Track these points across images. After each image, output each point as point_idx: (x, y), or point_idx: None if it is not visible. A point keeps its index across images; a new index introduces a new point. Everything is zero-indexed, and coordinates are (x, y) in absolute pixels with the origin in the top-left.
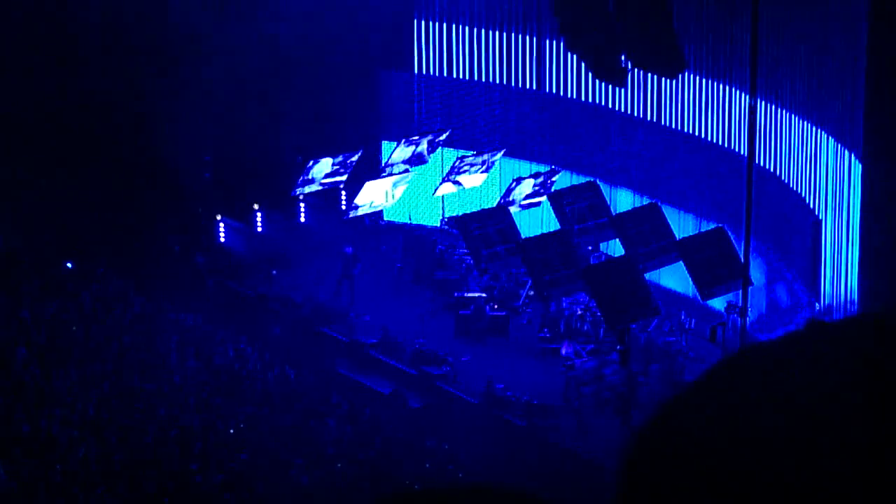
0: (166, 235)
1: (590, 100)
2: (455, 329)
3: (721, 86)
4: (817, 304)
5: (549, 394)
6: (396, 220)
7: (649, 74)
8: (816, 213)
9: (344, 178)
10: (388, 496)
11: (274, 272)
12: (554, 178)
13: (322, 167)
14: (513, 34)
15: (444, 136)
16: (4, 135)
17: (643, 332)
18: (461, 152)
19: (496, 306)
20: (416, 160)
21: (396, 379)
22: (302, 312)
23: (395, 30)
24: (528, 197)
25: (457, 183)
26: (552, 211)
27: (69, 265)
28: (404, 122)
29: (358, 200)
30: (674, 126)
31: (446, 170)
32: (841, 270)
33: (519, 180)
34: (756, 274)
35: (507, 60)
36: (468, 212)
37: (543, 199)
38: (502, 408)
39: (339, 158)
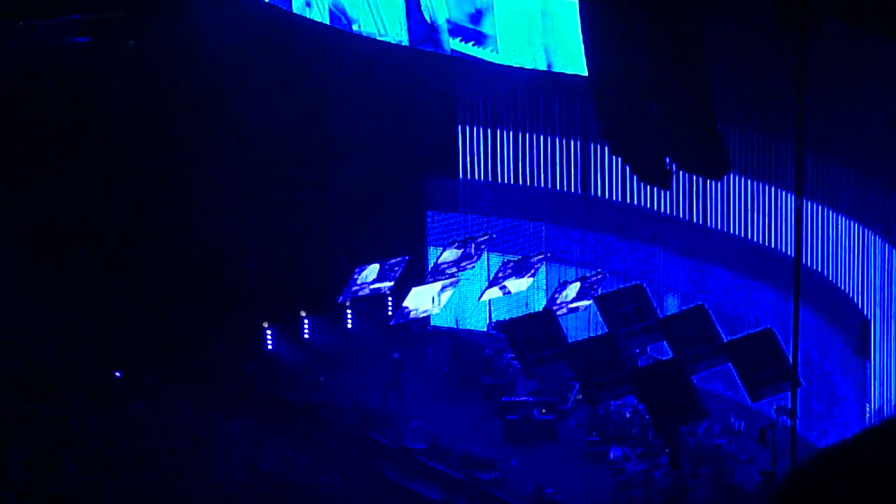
0: (214, 344)
1: (635, 202)
2: (503, 433)
3: (766, 186)
4: (867, 406)
5: (598, 497)
6: (443, 325)
7: (694, 176)
8: (865, 313)
9: (390, 283)
10: None
11: (321, 379)
12: (600, 282)
13: (369, 273)
14: (557, 138)
15: (489, 241)
16: (52, 245)
17: (692, 435)
18: (507, 257)
19: (544, 410)
20: (463, 265)
21: (445, 484)
22: (350, 418)
23: (439, 136)
24: (574, 300)
25: (503, 287)
26: (599, 314)
27: (117, 374)
28: (450, 227)
29: (405, 306)
30: (719, 227)
31: (492, 274)
32: (890, 371)
33: (565, 284)
34: (805, 375)
35: (551, 164)
36: (515, 316)
37: (590, 302)
38: None
39: (386, 264)
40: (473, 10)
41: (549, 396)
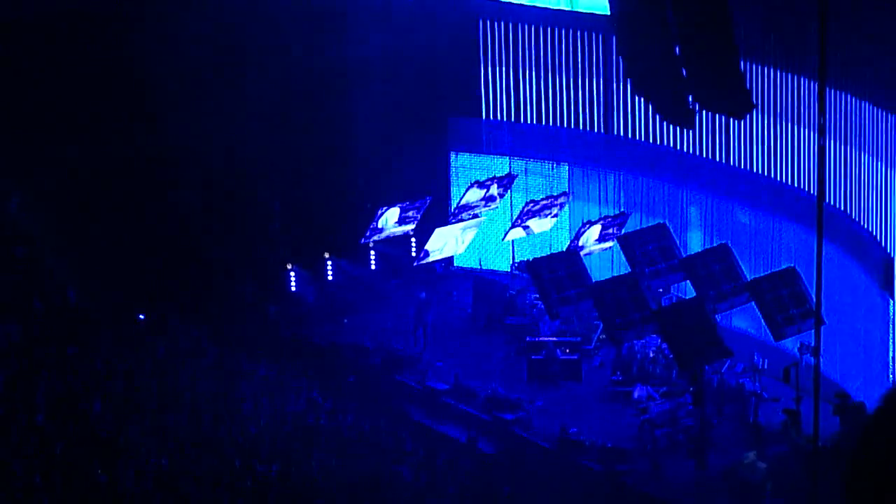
0: (238, 285)
1: (658, 142)
2: (527, 374)
3: (789, 125)
4: (891, 344)
5: (622, 437)
6: (467, 265)
7: (717, 115)
8: (888, 251)
9: (414, 225)
10: None
11: (346, 320)
12: (623, 221)
13: (391, 215)
14: (579, 78)
15: (512, 181)
16: (76, 190)
17: (716, 374)
18: (530, 197)
19: (568, 350)
20: (485, 205)
21: (470, 425)
22: (374, 360)
23: (462, 76)
24: (597, 240)
25: (526, 228)
26: (622, 254)
27: (142, 317)
28: (473, 167)
29: (428, 247)
30: (742, 166)
31: (516, 215)
32: None
33: (588, 224)
34: (828, 313)
35: (574, 104)
36: (538, 256)
37: (613, 242)
38: (576, 452)
39: (409, 205)
40: None
41: (573, 336)
